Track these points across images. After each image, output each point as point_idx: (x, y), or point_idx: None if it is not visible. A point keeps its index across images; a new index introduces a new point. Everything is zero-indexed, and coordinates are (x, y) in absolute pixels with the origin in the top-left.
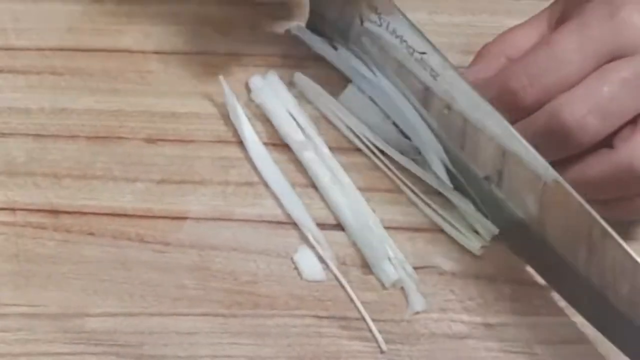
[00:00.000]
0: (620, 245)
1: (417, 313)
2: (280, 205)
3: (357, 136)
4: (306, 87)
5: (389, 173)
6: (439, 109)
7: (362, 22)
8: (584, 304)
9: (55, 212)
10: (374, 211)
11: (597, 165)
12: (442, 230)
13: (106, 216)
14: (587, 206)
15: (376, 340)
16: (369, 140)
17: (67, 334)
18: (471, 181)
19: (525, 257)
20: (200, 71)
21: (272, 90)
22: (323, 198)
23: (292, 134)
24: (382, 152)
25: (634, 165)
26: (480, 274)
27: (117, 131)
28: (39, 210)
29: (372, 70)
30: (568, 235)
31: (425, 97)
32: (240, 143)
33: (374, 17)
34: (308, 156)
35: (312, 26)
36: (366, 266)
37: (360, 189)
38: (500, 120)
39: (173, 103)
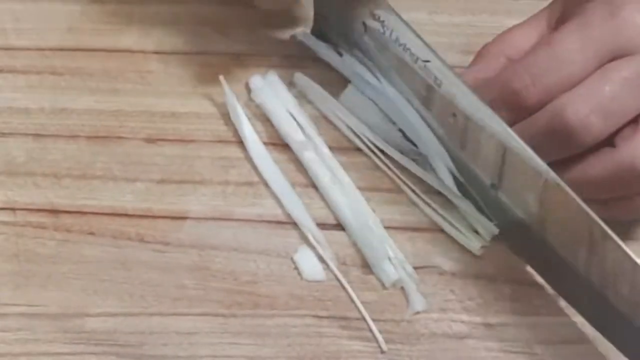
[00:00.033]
0: (620, 246)
1: (417, 313)
2: (280, 205)
3: (357, 136)
4: (306, 87)
5: (389, 173)
6: (443, 116)
7: (365, 29)
8: (584, 304)
9: (55, 212)
10: (374, 211)
11: (598, 165)
12: (442, 230)
13: (106, 216)
14: (586, 207)
15: (376, 340)
16: (369, 140)
17: (67, 334)
18: (476, 187)
19: (525, 257)
20: (200, 71)
21: (272, 90)
22: (323, 198)
23: (292, 133)
24: (382, 152)
25: (635, 164)
26: (480, 274)
27: (117, 131)
28: (39, 210)
29: (376, 77)
30: (568, 236)
31: (429, 103)
32: (240, 143)
33: (377, 24)
34: (308, 156)
35: (317, 32)
36: (366, 266)
37: (360, 188)
38: (501, 125)
39: (173, 103)
